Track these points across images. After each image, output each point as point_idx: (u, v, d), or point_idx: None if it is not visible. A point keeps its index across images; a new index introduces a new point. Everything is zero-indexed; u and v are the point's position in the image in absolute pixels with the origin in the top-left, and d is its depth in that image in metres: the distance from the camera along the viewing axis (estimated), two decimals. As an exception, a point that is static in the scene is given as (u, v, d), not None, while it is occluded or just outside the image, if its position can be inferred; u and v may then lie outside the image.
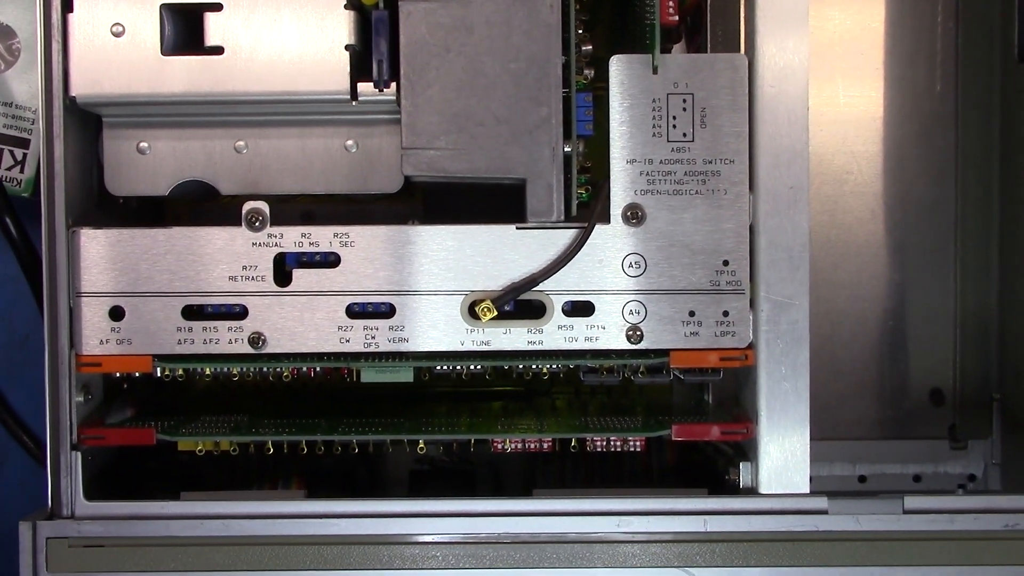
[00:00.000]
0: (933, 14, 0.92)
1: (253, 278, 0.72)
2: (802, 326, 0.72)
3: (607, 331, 0.72)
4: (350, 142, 0.75)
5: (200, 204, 0.85)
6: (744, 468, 0.73)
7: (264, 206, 0.72)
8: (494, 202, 0.74)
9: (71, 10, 0.71)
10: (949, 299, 0.92)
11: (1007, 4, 0.88)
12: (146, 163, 0.75)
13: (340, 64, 0.71)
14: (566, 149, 0.71)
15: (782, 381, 0.72)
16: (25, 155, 0.88)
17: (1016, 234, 0.88)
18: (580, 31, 0.73)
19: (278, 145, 0.75)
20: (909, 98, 0.92)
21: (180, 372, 0.72)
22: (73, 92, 0.71)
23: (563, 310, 0.72)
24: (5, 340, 0.94)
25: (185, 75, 0.71)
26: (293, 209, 0.85)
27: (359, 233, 0.72)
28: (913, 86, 0.92)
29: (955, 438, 0.92)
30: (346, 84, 0.71)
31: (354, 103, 0.72)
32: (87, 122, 0.74)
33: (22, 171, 0.87)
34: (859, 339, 0.93)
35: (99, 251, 0.71)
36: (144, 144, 0.75)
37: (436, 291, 0.72)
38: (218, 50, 0.71)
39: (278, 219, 0.72)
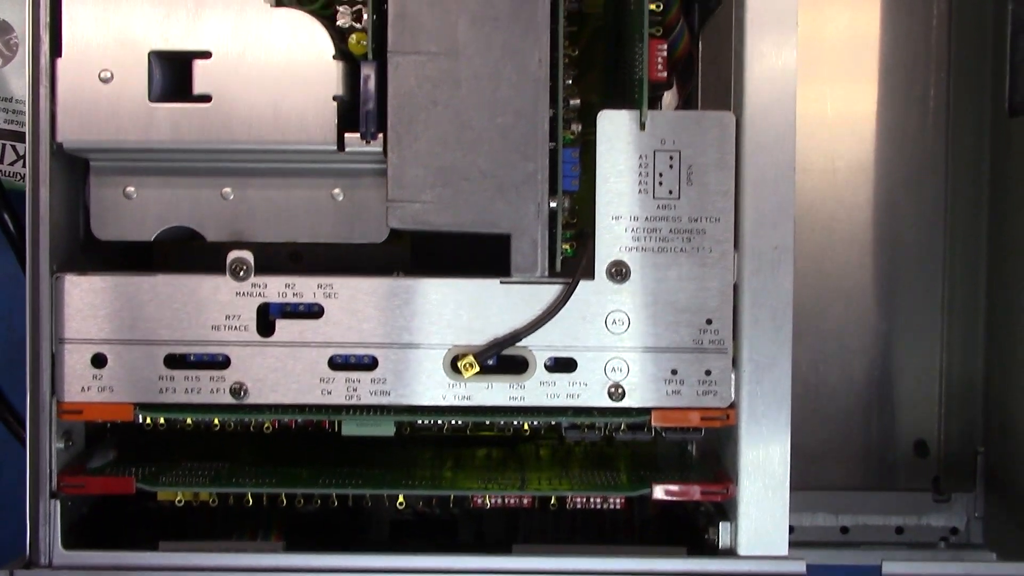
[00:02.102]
0: (926, 65, 0.92)
1: (236, 327, 0.72)
2: (784, 387, 0.72)
3: (589, 388, 0.72)
4: (337, 191, 0.75)
5: (188, 243, 0.85)
6: (723, 528, 0.72)
7: (248, 256, 0.71)
8: (482, 246, 0.73)
9: (59, 55, 0.71)
10: (935, 351, 0.92)
11: (998, 57, 0.88)
12: (133, 208, 0.75)
13: (328, 115, 0.71)
14: (551, 204, 0.71)
15: (763, 442, 0.72)
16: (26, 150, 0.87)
17: (1004, 286, 0.88)
18: (569, 81, 0.73)
19: (265, 192, 0.74)
20: (899, 148, 0.93)
21: (162, 421, 0.72)
22: (60, 138, 0.71)
23: (545, 366, 0.72)
24: (5, 339, 0.93)
25: (172, 123, 0.71)
26: (280, 249, 0.85)
27: (343, 285, 0.72)
28: (903, 135, 0.93)
29: (939, 490, 0.92)
30: (333, 135, 0.71)
31: (341, 154, 0.72)
32: (74, 166, 0.74)
33: (24, 166, 0.87)
34: (844, 388, 0.93)
35: (83, 297, 0.71)
36: (131, 189, 0.74)
37: (419, 344, 0.71)
38: (206, 98, 0.71)
39: (265, 259, 0.72)
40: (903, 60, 0.92)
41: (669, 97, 0.88)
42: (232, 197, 0.74)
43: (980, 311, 0.91)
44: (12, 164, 0.88)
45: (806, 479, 0.90)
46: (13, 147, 0.87)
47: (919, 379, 0.92)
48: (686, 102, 0.87)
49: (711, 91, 0.84)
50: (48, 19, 0.71)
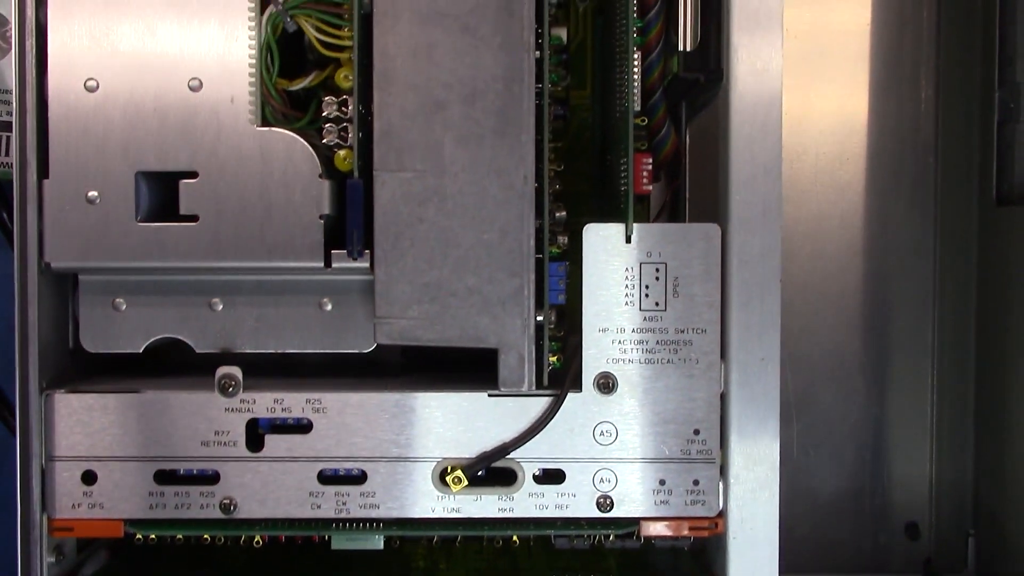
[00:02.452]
0: (914, 150, 0.92)
1: (225, 443, 0.72)
2: (772, 494, 0.72)
3: (577, 499, 0.72)
4: (325, 300, 0.75)
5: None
6: (713, 638, 0.73)
7: (237, 372, 0.72)
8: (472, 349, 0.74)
9: (47, 176, 0.71)
10: (925, 434, 0.93)
11: (986, 146, 0.89)
12: (122, 320, 0.75)
13: (315, 233, 0.71)
14: (538, 319, 0.71)
15: (752, 550, 0.72)
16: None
17: (992, 366, 0.89)
18: (556, 187, 0.74)
19: (253, 305, 0.75)
20: (887, 233, 0.93)
21: (153, 537, 0.72)
22: (47, 259, 0.71)
23: (534, 477, 0.72)
24: (5, 339, 0.93)
25: (159, 243, 0.71)
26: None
27: (332, 399, 0.72)
28: (894, 222, 0.93)
29: (930, 573, 0.92)
30: (320, 254, 0.71)
31: (329, 269, 0.72)
32: (62, 279, 0.74)
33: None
34: (835, 471, 0.93)
35: (72, 415, 0.72)
36: (119, 300, 0.75)
37: (408, 457, 0.72)
38: (192, 218, 0.71)
39: (258, 358, 0.73)
40: (891, 146, 0.92)
41: (657, 191, 0.88)
42: (221, 308, 0.75)
43: (969, 394, 0.91)
44: (14, 157, 0.88)
45: (798, 562, 0.90)
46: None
47: (910, 462, 0.93)
48: (674, 195, 0.88)
49: (698, 187, 0.84)
50: (35, 141, 0.71)
